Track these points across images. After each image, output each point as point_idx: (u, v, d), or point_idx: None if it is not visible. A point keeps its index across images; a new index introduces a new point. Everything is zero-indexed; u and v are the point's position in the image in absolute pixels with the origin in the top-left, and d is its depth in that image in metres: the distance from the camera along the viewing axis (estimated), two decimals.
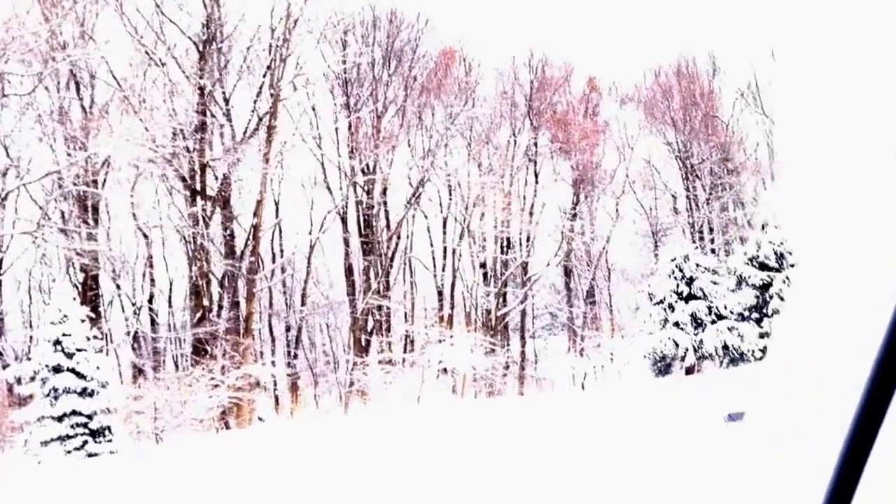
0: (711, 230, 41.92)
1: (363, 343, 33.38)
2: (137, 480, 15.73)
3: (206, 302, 29.46)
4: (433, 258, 39.62)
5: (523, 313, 40.61)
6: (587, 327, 40.34)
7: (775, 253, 32.21)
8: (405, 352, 34.21)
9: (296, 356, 34.53)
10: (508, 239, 40.28)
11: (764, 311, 32.03)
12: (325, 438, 22.22)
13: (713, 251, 40.69)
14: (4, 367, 28.61)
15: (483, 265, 40.08)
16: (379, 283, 34.66)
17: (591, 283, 43.04)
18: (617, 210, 42.76)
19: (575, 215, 41.85)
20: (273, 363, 33.09)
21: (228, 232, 30.60)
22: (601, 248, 42.93)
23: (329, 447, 19.82)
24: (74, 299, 23.70)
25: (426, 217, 39.37)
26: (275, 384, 32.65)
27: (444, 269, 39.29)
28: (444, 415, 26.80)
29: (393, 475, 13.34)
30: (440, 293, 39.14)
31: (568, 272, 43.01)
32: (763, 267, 32.55)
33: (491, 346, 37.04)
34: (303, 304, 34.64)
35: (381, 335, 34.25)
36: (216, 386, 25.19)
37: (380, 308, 34.37)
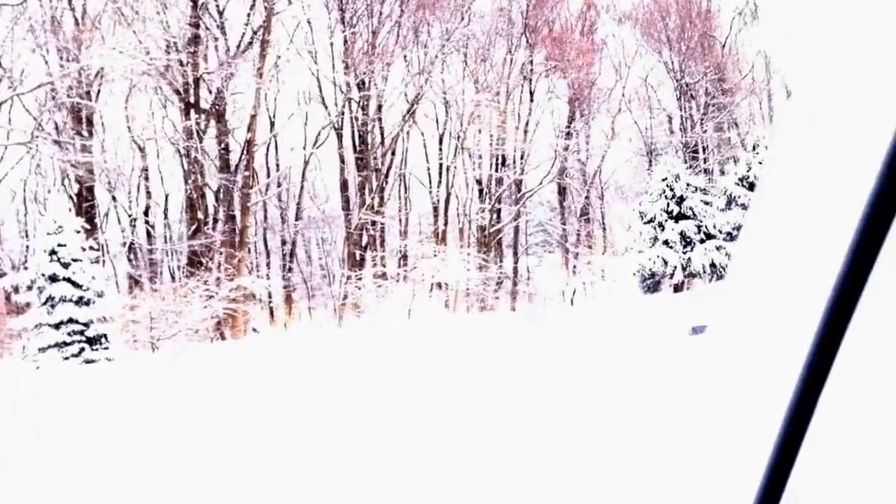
0: (705, 150, 41.99)
1: (357, 258, 33.84)
2: (134, 386, 16.32)
3: (200, 215, 29.79)
4: (428, 174, 39.81)
5: (516, 230, 41.03)
6: (580, 245, 40.82)
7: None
8: (399, 267, 34.70)
9: (290, 270, 35.07)
10: (503, 156, 40.37)
11: None
12: (318, 349, 22.87)
13: (706, 171, 40.85)
14: (1, 276, 29.12)
15: (478, 182, 40.27)
16: (373, 198, 34.92)
17: (585, 202, 43.35)
18: (613, 129, 42.76)
19: (569, 134, 41.86)
20: (268, 276, 33.63)
21: (223, 146, 30.71)
22: (596, 166, 43.11)
23: (322, 357, 20.44)
24: (70, 210, 24.02)
25: (422, 134, 39.39)
26: (269, 297, 33.24)
27: (438, 186, 39.52)
28: (435, 328, 27.48)
29: (383, 384, 13.90)
30: (435, 209, 39.46)
31: (562, 190, 43.26)
32: (753, 187, 32.88)
33: (484, 262, 37.59)
34: (297, 218, 34.98)
35: (375, 250, 34.70)
36: (210, 297, 25.73)
37: (374, 223, 34.72)
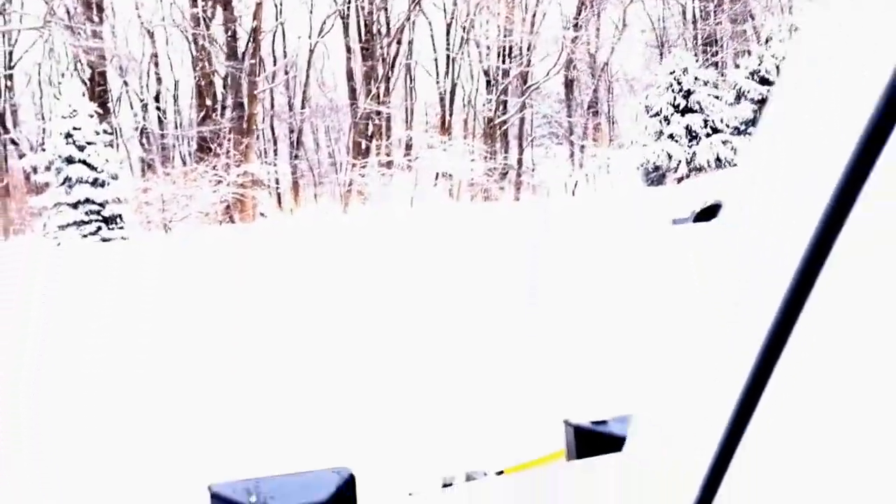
0: (718, 42, 41.95)
1: (362, 147, 34.70)
2: (148, 264, 17.60)
3: (209, 102, 30.62)
4: (435, 65, 40.19)
5: (521, 122, 41.60)
6: (586, 137, 41.41)
7: (777, 67, 32.60)
8: (404, 156, 35.55)
9: (297, 157, 36.03)
10: (510, 47, 40.55)
11: None
12: (322, 233, 24.07)
13: (717, 65, 40.92)
14: (21, 157, 30.27)
15: (485, 73, 40.62)
16: (378, 87, 35.49)
17: (593, 95, 43.69)
18: (624, 20, 42.64)
19: (577, 25, 41.85)
20: (275, 163, 34.62)
21: (230, 33, 31.22)
22: (605, 59, 43.23)
23: (325, 240, 21.64)
24: (83, 95, 24.89)
25: (429, 23, 39.55)
26: (277, 183, 34.33)
27: (445, 77, 39.94)
28: (437, 215, 28.60)
29: (384, 266, 15.06)
30: (441, 100, 40.00)
31: (570, 83, 43.55)
32: (763, 81, 33.15)
33: (489, 153, 38.41)
34: (303, 106, 35.71)
35: (380, 139, 35.49)
36: (219, 182, 26.84)
37: (379, 113, 35.40)
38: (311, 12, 35.87)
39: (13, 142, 33.12)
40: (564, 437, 1.94)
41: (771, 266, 0.52)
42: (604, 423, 1.90)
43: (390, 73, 36.49)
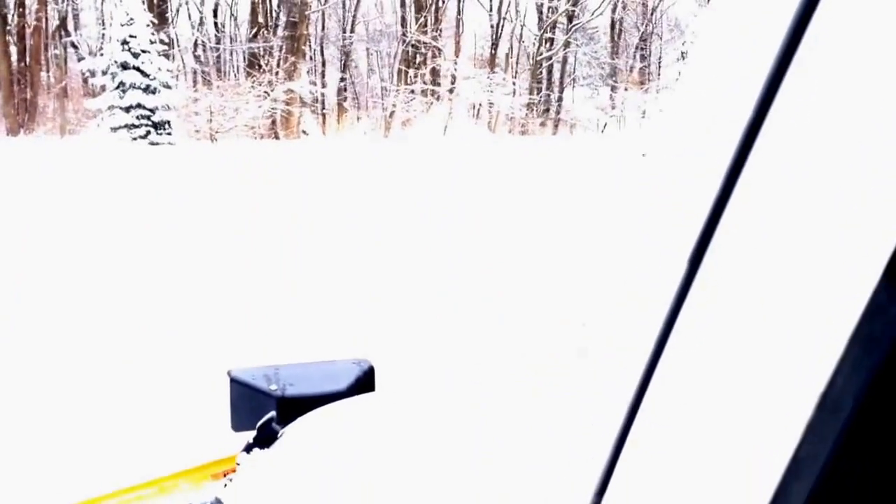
0: None
1: (407, 74, 35.78)
2: (191, 166, 19.17)
3: (261, 19, 31.86)
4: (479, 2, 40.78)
5: (565, 60, 42.20)
6: (628, 80, 41.94)
7: None
8: (450, 86, 36.54)
9: (343, 80, 37.24)
10: None
11: None
12: (360, 152, 25.46)
13: None
14: (80, 60, 31.95)
15: (538, 9, 41.13)
16: (427, 16, 36.36)
17: (640, 38, 44.01)
18: None
19: None
20: (323, 84, 35.89)
21: None
22: (656, 2, 43.42)
23: (363, 158, 23.06)
24: (142, 3, 26.28)
25: None
26: (323, 104, 35.65)
27: (497, 11, 40.56)
28: (472, 142, 29.90)
29: (417, 186, 16.42)
30: (490, 33, 40.74)
31: (616, 24, 43.91)
32: None
33: (531, 88, 39.29)
34: (352, 30, 36.77)
35: (424, 67, 36.48)
36: (265, 97, 28.26)
37: (425, 42, 36.33)
38: None
39: (73, 45, 34.78)
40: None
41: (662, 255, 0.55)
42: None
43: (440, 2, 37.27)
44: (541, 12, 41.02)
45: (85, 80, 30.05)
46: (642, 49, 44.28)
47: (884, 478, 0.43)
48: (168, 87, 25.44)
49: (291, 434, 1.55)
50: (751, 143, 0.49)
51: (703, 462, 0.49)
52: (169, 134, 25.04)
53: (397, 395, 1.51)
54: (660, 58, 44.49)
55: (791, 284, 0.45)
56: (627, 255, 0.62)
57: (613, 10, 43.01)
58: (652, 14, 43.76)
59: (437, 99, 33.68)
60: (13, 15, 30.33)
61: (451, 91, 33.20)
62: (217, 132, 28.04)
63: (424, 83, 35.35)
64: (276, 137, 30.60)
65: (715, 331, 0.50)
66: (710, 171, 0.52)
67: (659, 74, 43.00)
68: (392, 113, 34.16)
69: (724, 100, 0.52)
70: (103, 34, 29.72)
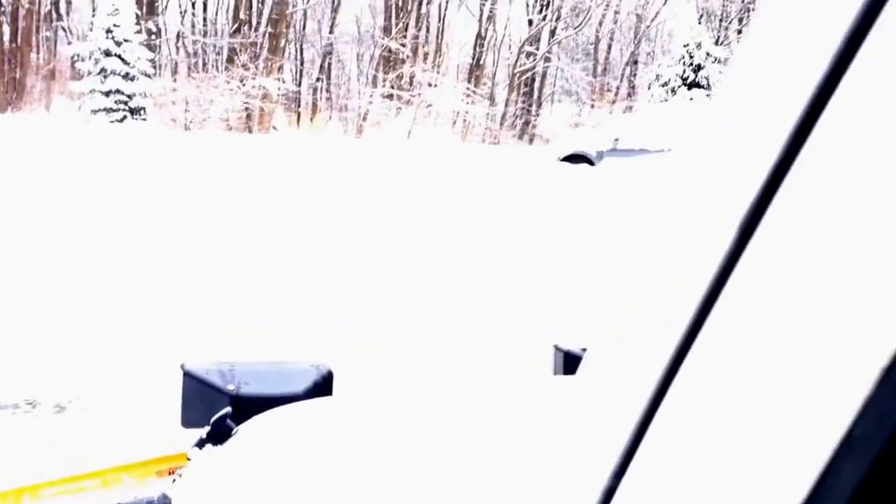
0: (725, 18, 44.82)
1: (383, 79, 38.68)
2: (157, 146, 21.92)
3: (243, 16, 34.86)
4: (468, 9, 43.65)
5: (544, 74, 45.16)
6: (601, 98, 44.81)
7: None
8: (424, 92, 39.30)
9: (319, 80, 40.18)
10: (549, 2, 43.79)
11: None
12: (328, 150, 28.12)
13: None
14: (69, 43, 34.90)
15: (530, 22, 43.82)
16: (408, 22, 39.27)
17: (620, 57, 47.00)
18: None
19: None
20: (298, 83, 38.81)
21: None
22: (634, 23, 46.38)
23: (330, 157, 25.69)
24: None
25: None
26: (298, 102, 38.56)
27: (480, 20, 43.39)
28: (437, 147, 32.59)
29: (383, 188, 18.87)
30: (474, 44, 43.61)
31: (599, 41, 46.89)
32: None
33: (508, 101, 42.25)
34: (331, 32, 39.68)
35: (401, 72, 39.33)
36: (238, 91, 31.14)
37: (403, 48, 39.23)
38: None
39: (64, 29, 37.75)
40: (553, 360, 2.06)
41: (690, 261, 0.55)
42: None
43: (419, 8, 40.15)
44: (531, 24, 43.92)
45: (73, 64, 32.92)
46: (615, 70, 47.28)
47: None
48: (147, 75, 28.33)
49: (246, 432, 1.57)
50: (798, 147, 0.49)
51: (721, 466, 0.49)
52: (144, 120, 27.90)
53: (355, 401, 1.63)
54: (634, 76, 47.44)
55: (834, 289, 0.44)
56: (653, 255, 0.64)
57: (600, 26, 46.06)
58: (637, 33, 46.73)
59: (408, 104, 36.48)
60: None
61: (417, 96, 35.99)
62: (191, 122, 30.89)
63: (399, 88, 38.17)
64: (249, 131, 33.42)
65: (744, 336, 0.51)
66: (751, 172, 0.51)
67: (630, 94, 45.93)
68: (364, 115, 37.01)
69: (772, 98, 0.52)
70: (92, 22, 32.57)
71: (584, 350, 1.60)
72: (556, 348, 2.02)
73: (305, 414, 1.55)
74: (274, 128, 33.54)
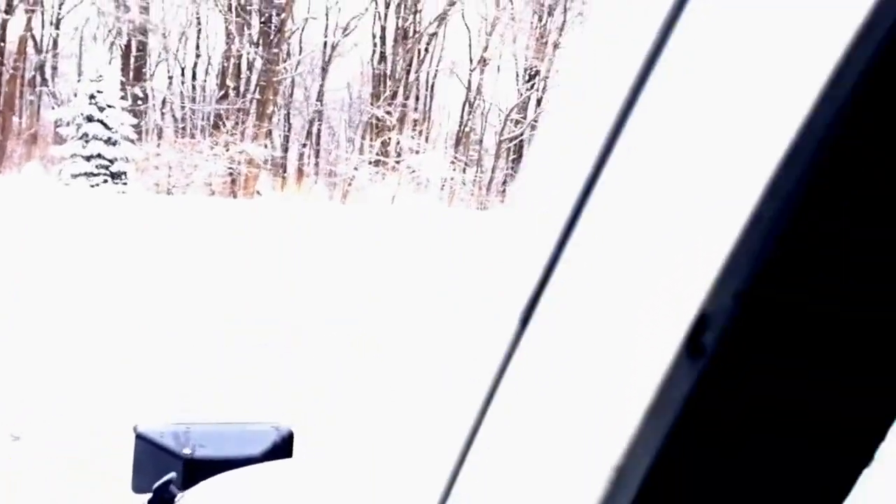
0: None
1: (370, 146, 38.83)
2: (138, 214, 21.76)
3: (230, 83, 35.04)
4: (458, 78, 44.09)
5: (530, 142, 45.38)
6: None
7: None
8: (409, 159, 39.46)
9: (305, 146, 40.29)
10: (536, 72, 44.29)
11: None
12: (312, 216, 28.06)
13: None
14: (53, 108, 34.93)
15: (519, 91, 44.29)
16: (393, 90, 39.56)
17: None
18: None
19: None
20: (286, 149, 38.90)
21: (263, 18, 35.52)
22: None
23: (314, 223, 25.62)
24: (110, 63, 29.35)
25: (467, 27, 43.22)
26: (284, 167, 38.61)
27: (468, 88, 43.80)
28: (422, 213, 32.60)
29: (368, 251, 18.80)
30: (461, 111, 43.95)
31: None
32: None
33: (495, 167, 42.39)
34: (317, 99, 39.91)
35: (387, 139, 39.50)
36: (223, 156, 31.15)
37: (389, 113, 39.48)
38: (339, 12, 39.99)
39: (50, 94, 37.82)
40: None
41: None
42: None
43: (407, 79, 40.54)
44: (521, 93, 44.31)
45: (56, 128, 32.90)
46: None
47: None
48: (131, 140, 28.28)
49: (190, 499, 1.50)
50: (611, 144, 0.50)
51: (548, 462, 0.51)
52: (125, 184, 27.78)
53: (313, 462, 1.56)
54: None
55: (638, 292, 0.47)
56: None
57: None
58: None
59: (393, 170, 36.57)
60: None
61: (398, 163, 36.09)
62: (174, 187, 30.80)
63: (385, 154, 38.29)
64: (234, 196, 33.34)
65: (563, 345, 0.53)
66: (575, 168, 0.53)
67: None
68: (350, 181, 37.03)
69: (590, 102, 0.54)
70: (76, 89, 32.69)
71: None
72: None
73: (258, 477, 1.48)
74: (258, 192, 33.47)
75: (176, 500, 1.57)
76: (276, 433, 1.84)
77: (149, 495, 1.62)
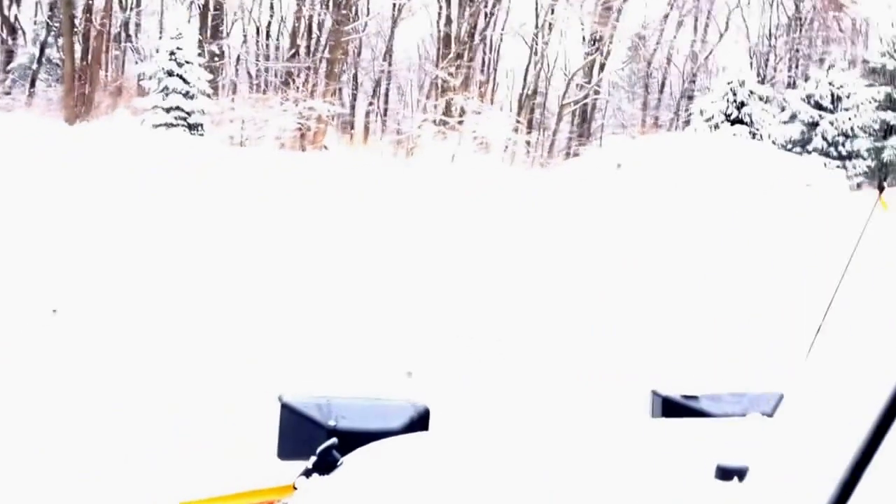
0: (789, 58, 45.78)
1: (435, 106, 40.48)
2: (211, 156, 23.75)
3: (299, 42, 37.14)
4: (523, 39, 45.35)
5: (593, 106, 46.62)
6: (645, 128, 46.06)
7: (831, 94, 36.74)
8: (472, 119, 40.90)
9: (371, 104, 42.28)
10: (600, 37, 45.30)
11: (805, 147, 36.72)
12: (377, 170, 29.78)
13: (790, 81, 44.76)
14: (136, 63, 37.50)
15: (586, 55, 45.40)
16: (460, 52, 41.09)
17: (669, 93, 48.29)
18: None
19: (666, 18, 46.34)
20: (353, 106, 40.89)
21: None
22: (683, 61, 47.68)
23: (378, 177, 27.29)
24: (189, 21, 31.57)
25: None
26: (352, 125, 40.61)
27: (534, 52, 45.02)
28: (480, 172, 34.03)
29: (426, 210, 20.07)
30: (525, 74, 45.26)
31: (648, 76, 48.27)
32: (817, 106, 37.14)
33: (556, 130, 43.76)
34: (384, 59, 41.75)
35: (451, 101, 41.03)
36: (293, 112, 33.18)
37: (452, 74, 41.03)
38: None
39: (133, 50, 40.49)
40: (650, 405, 2.07)
41: None
42: (694, 398, 1.99)
43: (471, 41, 41.98)
44: (584, 57, 45.52)
45: (139, 82, 35.38)
46: (679, 100, 48.55)
47: None
48: (206, 94, 30.53)
49: (353, 463, 1.63)
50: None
51: None
52: (201, 135, 30.00)
53: (452, 436, 1.69)
54: (688, 111, 48.60)
55: None
56: None
57: (648, 65, 47.56)
58: (685, 70, 48.00)
59: (454, 130, 38.18)
60: (81, 19, 35.89)
61: (461, 123, 37.63)
62: (247, 139, 32.96)
63: (448, 115, 39.87)
64: (303, 150, 35.35)
65: None
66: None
67: (677, 128, 47.08)
68: (414, 139, 38.80)
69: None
70: (157, 47, 35.05)
71: (684, 396, 1.92)
72: (654, 393, 2.07)
73: (407, 447, 1.62)
74: (325, 147, 35.44)
75: (338, 463, 1.70)
76: (412, 409, 1.96)
77: (293, 462, 1.77)
